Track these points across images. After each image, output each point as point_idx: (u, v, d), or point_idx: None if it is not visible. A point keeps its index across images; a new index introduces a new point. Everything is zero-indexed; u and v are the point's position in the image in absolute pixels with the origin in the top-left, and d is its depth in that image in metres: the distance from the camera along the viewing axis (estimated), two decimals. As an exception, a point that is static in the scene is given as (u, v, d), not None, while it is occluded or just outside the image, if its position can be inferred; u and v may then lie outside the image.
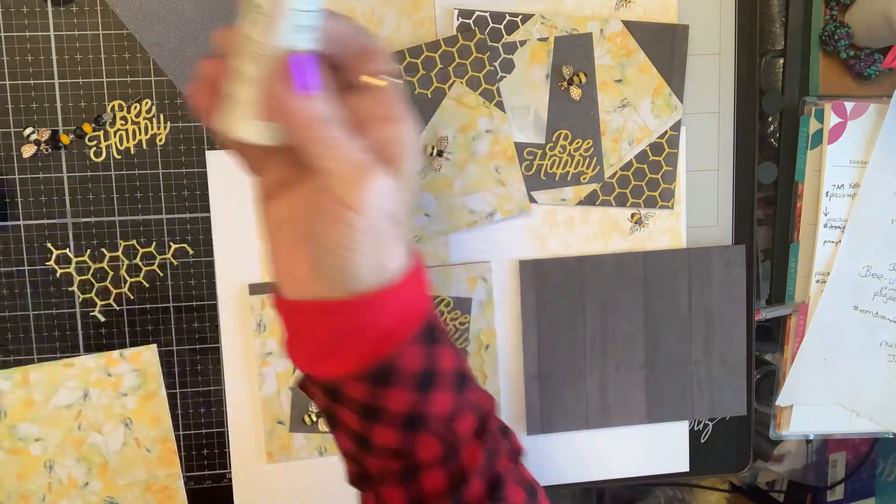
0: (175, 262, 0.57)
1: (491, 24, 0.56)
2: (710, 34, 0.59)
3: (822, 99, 0.63)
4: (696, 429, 0.63)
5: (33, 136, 0.55)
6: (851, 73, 0.64)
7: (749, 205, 0.61)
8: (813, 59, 0.64)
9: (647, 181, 0.59)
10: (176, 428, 0.57)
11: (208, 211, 0.57)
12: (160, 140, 0.56)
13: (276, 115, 0.34)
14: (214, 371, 0.58)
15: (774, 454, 0.77)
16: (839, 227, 0.63)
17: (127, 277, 0.57)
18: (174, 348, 0.57)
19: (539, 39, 0.57)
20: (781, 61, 0.64)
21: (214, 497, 0.59)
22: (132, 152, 0.56)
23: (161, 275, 0.57)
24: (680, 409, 0.62)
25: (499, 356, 0.60)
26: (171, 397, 0.57)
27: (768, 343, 0.66)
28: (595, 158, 0.59)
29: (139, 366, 0.56)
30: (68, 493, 0.56)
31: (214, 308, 0.58)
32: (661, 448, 0.63)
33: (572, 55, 0.57)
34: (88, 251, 0.56)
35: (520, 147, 0.58)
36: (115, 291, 0.57)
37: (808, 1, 0.63)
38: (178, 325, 0.58)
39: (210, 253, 0.57)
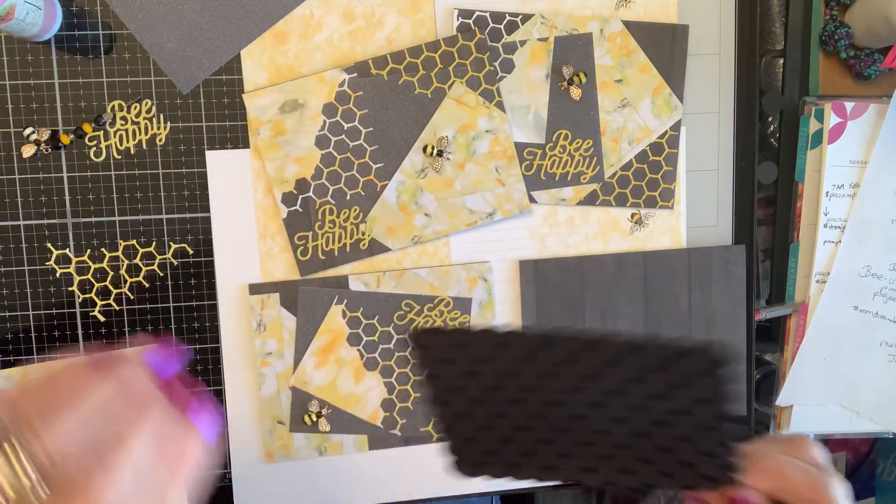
0: (175, 262, 0.57)
1: (491, 24, 0.56)
2: (710, 34, 0.59)
3: (822, 99, 0.63)
4: (696, 429, 0.63)
5: (33, 136, 0.55)
6: (851, 73, 0.64)
7: (749, 205, 0.61)
8: (813, 59, 0.64)
9: (647, 181, 0.59)
10: (176, 428, 0.57)
11: (208, 211, 0.57)
12: (160, 140, 0.56)
13: None
14: (214, 371, 0.58)
15: (774, 454, 0.77)
16: (839, 227, 0.63)
17: (127, 277, 0.57)
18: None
19: (539, 39, 0.57)
20: (781, 61, 0.64)
21: (214, 497, 0.59)
22: (132, 152, 0.56)
23: (161, 275, 0.57)
24: (680, 409, 0.62)
25: (499, 356, 0.60)
26: (171, 397, 0.57)
27: (768, 343, 0.66)
28: (595, 158, 0.59)
29: (139, 366, 0.56)
30: (68, 493, 0.56)
31: (214, 308, 0.58)
32: (661, 448, 0.63)
33: (572, 55, 0.57)
34: (88, 251, 0.56)
35: (520, 147, 0.58)
36: (115, 291, 0.57)
37: (808, 1, 0.63)
38: (178, 325, 0.58)
39: (210, 253, 0.57)
